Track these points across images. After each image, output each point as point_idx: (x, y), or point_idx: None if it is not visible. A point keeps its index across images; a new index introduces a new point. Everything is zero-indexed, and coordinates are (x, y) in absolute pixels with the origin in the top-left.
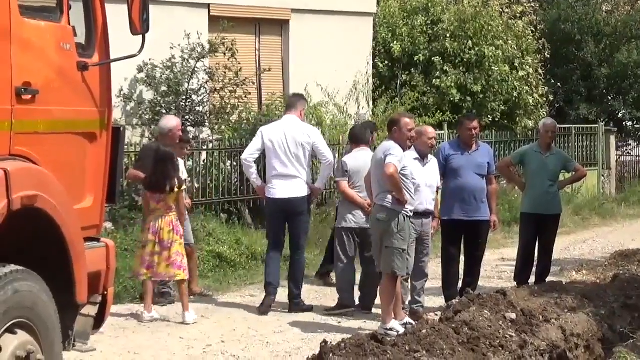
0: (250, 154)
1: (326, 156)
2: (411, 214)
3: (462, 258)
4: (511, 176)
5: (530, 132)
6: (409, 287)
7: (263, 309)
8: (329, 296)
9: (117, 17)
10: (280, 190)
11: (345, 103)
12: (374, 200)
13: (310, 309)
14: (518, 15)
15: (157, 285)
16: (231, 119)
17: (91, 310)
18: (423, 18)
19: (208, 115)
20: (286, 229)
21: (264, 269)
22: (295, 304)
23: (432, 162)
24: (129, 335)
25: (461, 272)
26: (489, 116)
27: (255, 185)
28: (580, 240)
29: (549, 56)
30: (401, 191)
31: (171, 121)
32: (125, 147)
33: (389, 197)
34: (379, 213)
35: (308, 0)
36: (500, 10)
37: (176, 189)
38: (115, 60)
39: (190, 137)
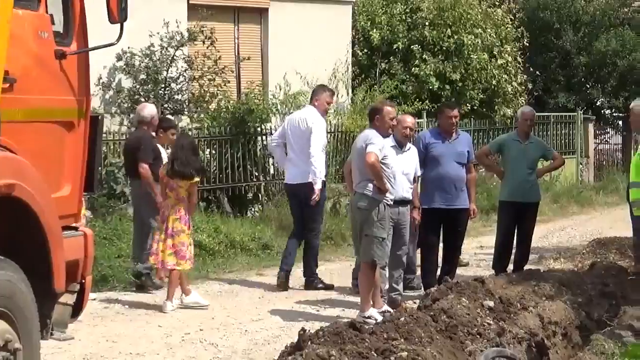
0: (272, 139)
1: (311, 146)
2: (391, 203)
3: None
4: (490, 164)
5: (509, 121)
6: (386, 275)
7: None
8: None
9: (95, 5)
10: (288, 175)
11: None
12: (355, 189)
13: (326, 287)
14: (497, 3)
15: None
16: (210, 107)
17: (69, 298)
18: (402, 6)
19: (187, 104)
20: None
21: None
22: (309, 282)
23: (411, 150)
24: (107, 324)
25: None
26: (467, 104)
27: (281, 168)
28: (559, 228)
29: (527, 44)
30: (382, 180)
31: (152, 108)
32: (104, 135)
33: (370, 185)
34: (360, 201)
35: None
36: None
37: (195, 179)
38: (93, 49)
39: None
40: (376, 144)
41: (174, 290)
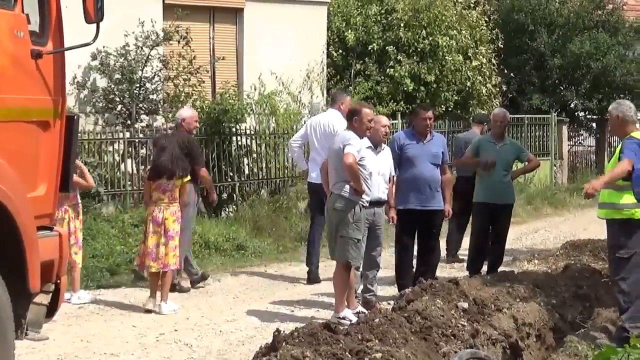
0: (294, 140)
1: None
2: (367, 205)
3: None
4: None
5: None
6: (360, 276)
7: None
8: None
9: (71, 5)
10: (312, 175)
11: (300, 92)
12: (331, 189)
13: (313, 280)
14: (472, 5)
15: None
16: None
17: (44, 299)
18: (377, 7)
19: (162, 104)
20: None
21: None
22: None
23: (386, 151)
24: (82, 324)
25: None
26: (442, 106)
27: (300, 169)
28: (532, 229)
29: (502, 46)
30: (359, 181)
31: (185, 111)
32: (79, 135)
33: (347, 186)
34: (336, 202)
35: None
36: (454, 0)
37: (184, 178)
38: (69, 49)
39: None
40: (354, 145)
41: (167, 291)
